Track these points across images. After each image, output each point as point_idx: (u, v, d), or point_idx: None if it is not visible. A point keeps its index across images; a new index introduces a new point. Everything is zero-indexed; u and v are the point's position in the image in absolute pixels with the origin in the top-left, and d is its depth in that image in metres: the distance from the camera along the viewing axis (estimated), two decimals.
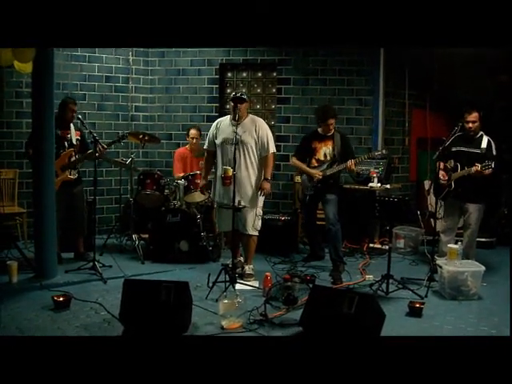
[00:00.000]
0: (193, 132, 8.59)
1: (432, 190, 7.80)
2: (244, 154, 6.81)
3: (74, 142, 7.49)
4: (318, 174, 7.36)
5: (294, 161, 7.75)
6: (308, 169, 7.50)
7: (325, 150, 7.43)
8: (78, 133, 7.59)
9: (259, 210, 7.02)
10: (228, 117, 7.12)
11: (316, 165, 7.47)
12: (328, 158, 7.40)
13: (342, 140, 7.39)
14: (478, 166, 6.76)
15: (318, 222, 7.83)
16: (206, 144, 7.23)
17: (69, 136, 7.41)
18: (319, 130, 7.49)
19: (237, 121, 6.67)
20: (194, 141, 8.51)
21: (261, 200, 7.01)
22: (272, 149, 6.97)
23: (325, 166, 7.36)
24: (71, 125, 7.45)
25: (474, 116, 7.10)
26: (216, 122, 7.22)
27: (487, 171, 6.75)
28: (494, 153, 7.06)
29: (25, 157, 7.76)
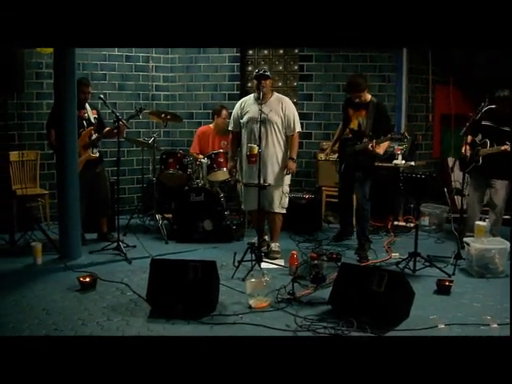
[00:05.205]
0: (224, 113, 8.51)
1: (458, 165, 7.74)
2: (270, 133, 6.78)
3: (93, 120, 7.47)
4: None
5: (337, 130, 7.65)
6: (333, 142, 7.54)
7: (359, 119, 7.09)
8: (95, 111, 7.58)
9: (286, 188, 6.99)
10: (251, 96, 7.07)
11: (349, 135, 7.20)
12: (362, 128, 7.04)
13: (376, 111, 6.97)
14: (508, 147, 6.71)
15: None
16: (232, 125, 7.20)
17: (86, 115, 7.38)
18: (353, 98, 7.13)
19: (262, 99, 6.62)
20: (226, 120, 8.39)
21: (287, 178, 6.98)
22: (298, 128, 6.95)
23: (358, 143, 7.05)
24: (86, 104, 7.41)
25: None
26: (240, 101, 7.19)
27: None
28: None
29: (47, 138, 7.70)
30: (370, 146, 6.79)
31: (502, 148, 6.81)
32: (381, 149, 6.96)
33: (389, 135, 6.84)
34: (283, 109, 6.84)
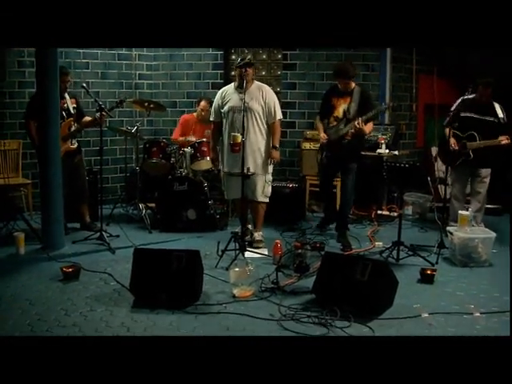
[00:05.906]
0: (203, 104, 8.46)
1: (440, 157, 7.74)
2: (252, 121, 6.73)
3: (72, 110, 7.38)
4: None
5: (316, 121, 7.45)
6: (319, 131, 7.21)
7: (344, 106, 6.97)
8: (74, 100, 7.48)
9: (269, 177, 6.96)
10: (232, 85, 7.05)
11: (334, 123, 7.04)
12: (347, 116, 6.91)
13: (360, 97, 6.90)
14: (507, 139, 6.75)
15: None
16: (213, 115, 7.14)
17: (65, 105, 7.28)
18: (339, 85, 7.06)
19: (243, 88, 6.58)
20: (203, 113, 8.37)
21: (270, 167, 6.95)
22: (279, 116, 6.90)
23: (342, 126, 6.95)
24: (66, 94, 7.32)
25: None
26: (220, 91, 7.13)
27: None
28: (506, 120, 7.00)
29: (25, 129, 7.54)
30: (356, 123, 6.67)
31: (503, 142, 6.83)
32: (367, 127, 6.80)
33: (374, 110, 6.82)
34: (264, 96, 6.80)
